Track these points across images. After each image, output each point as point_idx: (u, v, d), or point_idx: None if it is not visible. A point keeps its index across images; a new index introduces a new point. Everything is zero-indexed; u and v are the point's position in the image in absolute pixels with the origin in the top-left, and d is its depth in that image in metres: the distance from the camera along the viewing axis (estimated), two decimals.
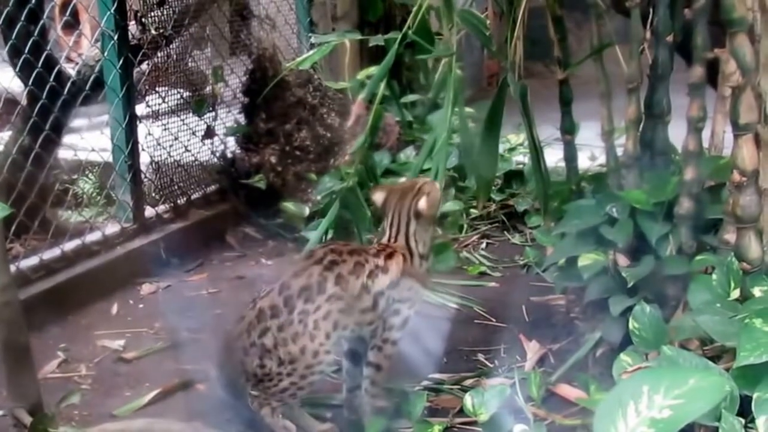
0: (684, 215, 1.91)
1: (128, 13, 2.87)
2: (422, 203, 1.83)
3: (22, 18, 2.60)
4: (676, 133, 2.02)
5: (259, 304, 1.79)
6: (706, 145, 2.05)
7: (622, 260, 1.98)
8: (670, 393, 1.18)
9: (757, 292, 1.63)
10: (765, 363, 1.40)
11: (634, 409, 1.17)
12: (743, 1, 1.69)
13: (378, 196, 1.92)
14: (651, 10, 2.01)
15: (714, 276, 1.73)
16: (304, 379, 1.76)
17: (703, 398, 1.18)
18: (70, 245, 2.69)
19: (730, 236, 1.79)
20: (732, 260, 1.72)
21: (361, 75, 3.37)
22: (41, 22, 2.68)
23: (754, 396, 1.40)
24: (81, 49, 3.39)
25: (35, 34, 2.65)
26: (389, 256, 1.84)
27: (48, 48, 2.74)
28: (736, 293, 1.68)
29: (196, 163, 3.24)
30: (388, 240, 1.87)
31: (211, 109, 3.25)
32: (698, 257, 1.86)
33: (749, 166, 1.69)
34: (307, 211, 3.02)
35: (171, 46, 3.11)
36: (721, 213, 1.85)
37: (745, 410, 1.40)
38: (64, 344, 2.37)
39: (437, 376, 2.05)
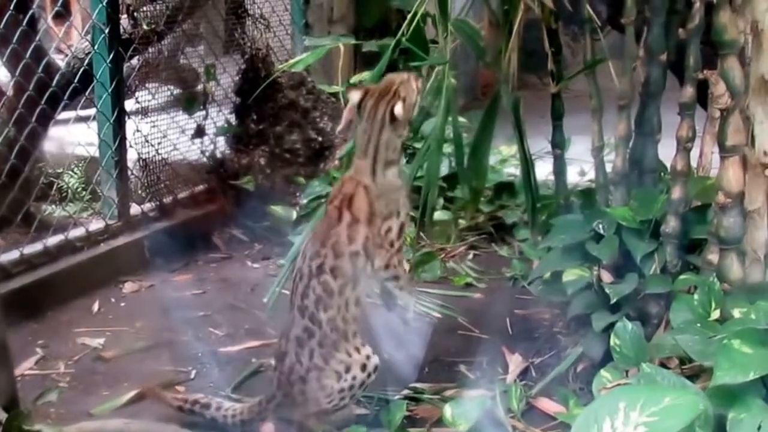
0: (669, 234, 1.92)
1: (120, 7, 2.85)
2: (398, 109, 1.75)
3: (11, 7, 2.57)
4: (666, 152, 2.03)
5: (292, 333, 1.80)
6: (694, 164, 2.06)
7: (606, 276, 1.98)
8: (645, 410, 1.19)
9: (736, 313, 1.64)
10: (741, 383, 1.41)
11: (609, 425, 1.18)
12: (735, 23, 1.70)
13: (354, 96, 1.79)
14: (645, 28, 2.01)
15: (696, 296, 1.74)
16: (362, 383, 1.78)
17: (677, 416, 1.19)
18: (52, 240, 2.65)
19: (713, 257, 1.80)
20: (713, 281, 1.73)
21: (355, 80, 3.36)
22: (31, 11, 2.66)
23: (729, 416, 1.40)
24: (71, 41, 3.37)
25: (24, 23, 2.62)
26: (349, 203, 1.77)
27: (37, 38, 2.71)
28: (716, 314, 1.69)
29: (185, 161, 3.22)
30: (359, 153, 1.81)
31: (201, 107, 3.23)
32: (681, 277, 1.87)
33: (735, 188, 1.70)
34: (294, 215, 3.00)
35: (163, 42, 3.09)
36: (706, 233, 1.86)
37: (720, 430, 1.40)
38: (43, 341, 2.35)
39: (418, 385, 2.04)
